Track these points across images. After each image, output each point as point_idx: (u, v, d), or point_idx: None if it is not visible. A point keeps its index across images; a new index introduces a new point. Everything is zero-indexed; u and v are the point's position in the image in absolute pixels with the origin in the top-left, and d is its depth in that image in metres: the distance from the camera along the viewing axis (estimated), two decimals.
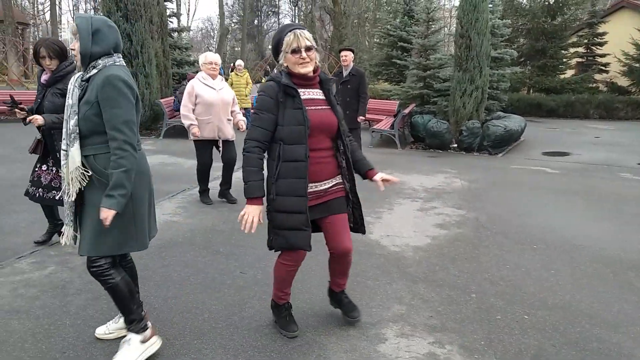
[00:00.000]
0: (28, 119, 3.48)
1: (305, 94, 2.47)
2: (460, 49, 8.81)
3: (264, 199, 2.49)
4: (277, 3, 42.49)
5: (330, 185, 2.58)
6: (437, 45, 11.61)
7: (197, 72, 12.17)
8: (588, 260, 3.88)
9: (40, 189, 3.73)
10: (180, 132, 10.14)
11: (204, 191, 5.44)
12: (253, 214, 2.44)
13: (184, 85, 10.32)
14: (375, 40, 21.45)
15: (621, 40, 15.96)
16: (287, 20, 41.79)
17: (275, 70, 22.14)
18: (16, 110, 3.51)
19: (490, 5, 9.35)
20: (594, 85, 16.49)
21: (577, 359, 2.56)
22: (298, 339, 2.72)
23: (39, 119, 3.43)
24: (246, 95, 11.47)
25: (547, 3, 16.10)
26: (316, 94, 2.52)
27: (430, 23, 11.57)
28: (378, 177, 2.62)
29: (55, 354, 2.53)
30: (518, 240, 4.32)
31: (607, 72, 16.82)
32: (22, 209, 4.73)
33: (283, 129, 2.42)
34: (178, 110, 10.27)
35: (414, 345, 2.68)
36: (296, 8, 28.71)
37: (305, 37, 2.38)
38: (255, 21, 41.29)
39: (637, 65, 15.73)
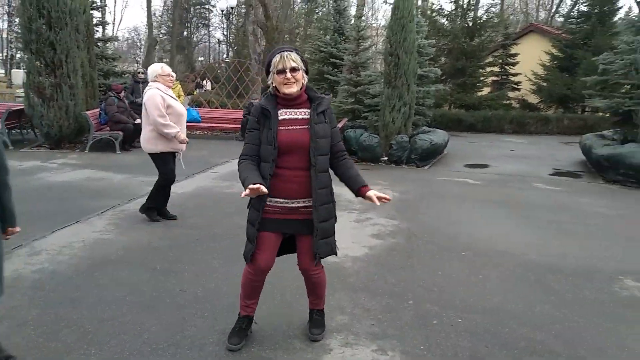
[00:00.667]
0: None
1: (286, 114, 2.57)
2: (390, 66, 9.18)
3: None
4: (207, 15, 41.93)
5: (304, 204, 2.62)
6: (367, 62, 12.01)
7: (124, 83, 11.79)
8: (512, 265, 4.18)
9: None
10: (107, 145, 9.71)
11: (155, 208, 5.19)
12: (258, 187, 2.36)
13: (110, 96, 9.87)
14: (306, 55, 21.75)
15: (531, 61, 17.38)
16: (218, 33, 41.32)
17: (202, 85, 21.65)
18: None
19: (416, 26, 9.84)
20: (508, 102, 17.75)
21: (508, 358, 2.76)
22: (243, 354, 2.71)
23: None
24: None
25: (466, 25, 17.19)
26: (299, 113, 2.58)
27: (360, 41, 11.95)
28: (372, 193, 2.60)
29: None
30: (448, 248, 4.57)
31: (519, 90, 18.21)
32: None
33: (260, 146, 2.58)
34: (105, 123, 9.87)
35: (359, 354, 2.76)
36: (228, 21, 28.48)
37: (291, 59, 2.47)
38: (185, 32, 40.40)
39: (544, 84, 17.17)
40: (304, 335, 2.93)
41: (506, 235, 5.01)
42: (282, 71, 2.48)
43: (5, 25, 40.42)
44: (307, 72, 2.59)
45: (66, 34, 9.15)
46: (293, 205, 2.61)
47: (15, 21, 35.90)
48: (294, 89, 2.52)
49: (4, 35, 41.95)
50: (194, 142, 11.27)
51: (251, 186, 2.34)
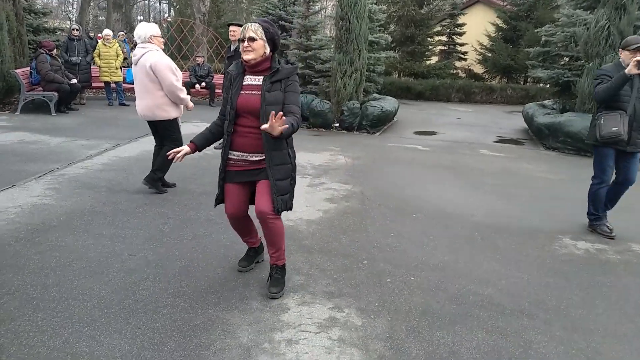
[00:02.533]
0: None
1: (249, 80, 2.82)
2: (341, 31, 9.06)
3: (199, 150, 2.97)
4: None
5: (259, 159, 2.83)
6: (317, 26, 11.79)
7: (57, 41, 10.95)
8: (459, 226, 4.33)
9: None
10: (40, 106, 9.08)
11: (161, 179, 4.89)
12: (181, 149, 2.90)
13: (42, 53, 9.13)
14: (253, 17, 21.11)
15: (477, 31, 17.75)
16: None
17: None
18: None
19: None
20: (455, 71, 18.15)
21: (458, 311, 2.87)
22: (199, 316, 2.67)
23: None
24: (117, 68, 10.60)
25: None
26: (257, 80, 2.81)
27: (310, 4, 11.69)
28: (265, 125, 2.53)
29: None
30: (399, 211, 4.66)
31: (465, 59, 18.62)
32: None
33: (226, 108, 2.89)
34: (37, 83, 9.18)
35: (315, 312, 2.79)
36: None
37: (251, 30, 2.71)
38: None
39: (489, 54, 17.64)
40: (261, 295, 2.92)
41: (454, 198, 5.16)
42: (242, 40, 2.73)
43: None
44: (275, 45, 2.80)
45: None
46: (251, 159, 2.85)
47: None
48: (249, 56, 2.74)
49: None
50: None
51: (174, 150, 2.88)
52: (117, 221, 3.99)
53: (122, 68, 11.30)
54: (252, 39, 2.71)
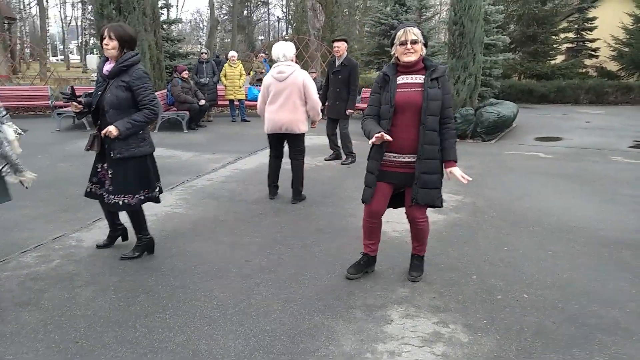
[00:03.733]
0: (103, 133, 3.30)
1: (405, 78, 3.02)
2: (454, 35, 8.85)
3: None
4: None
5: (414, 160, 3.01)
6: (430, 33, 11.63)
7: (189, 64, 12.16)
8: (584, 240, 3.98)
9: (104, 191, 3.55)
10: (174, 124, 10.14)
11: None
12: (382, 134, 2.89)
13: (174, 78, 10.23)
14: (366, 29, 21.37)
15: (611, 24, 16.07)
16: (277, 11, 41.61)
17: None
18: (74, 103, 3.35)
19: None
20: (584, 70, 16.60)
21: (576, 334, 2.65)
22: (306, 322, 2.79)
23: (112, 130, 3.26)
24: (240, 87, 11.44)
25: None
26: (416, 78, 3.01)
27: (423, 10, 11.60)
28: (456, 172, 3.06)
29: (68, 343, 2.58)
30: (515, 223, 4.41)
31: (596, 57, 16.95)
32: (24, 204, 4.74)
33: (381, 107, 3.05)
34: (171, 103, 10.28)
35: (419, 325, 2.76)
36: None
37: (413, 33, 2.93)
38: (245, 12, 40.90)
39: (626, 49, 15.86)
40: (364, 305, 2.97)
41: (579, 210, 4.75)
42: (404, 43, 2.92)
43: (80, 13, 42.84)
44: (426, 45, 3.02)
45: (134, 18, 9.53)
46: (404, 159, 3.04)
47: (88, 9, 37.95)
48: (412, 58, 2.95)
49: (79, 23, 44.59)
50: (255, 121, 11.51)
51: (377, 135, 2.86)
52: (236, 229, 4.32)
53: (252, 85, 12.19)
54: (414, 42, 2.92)
